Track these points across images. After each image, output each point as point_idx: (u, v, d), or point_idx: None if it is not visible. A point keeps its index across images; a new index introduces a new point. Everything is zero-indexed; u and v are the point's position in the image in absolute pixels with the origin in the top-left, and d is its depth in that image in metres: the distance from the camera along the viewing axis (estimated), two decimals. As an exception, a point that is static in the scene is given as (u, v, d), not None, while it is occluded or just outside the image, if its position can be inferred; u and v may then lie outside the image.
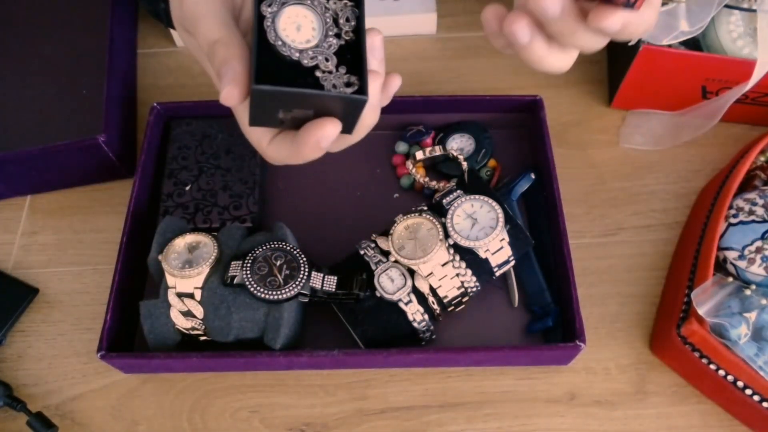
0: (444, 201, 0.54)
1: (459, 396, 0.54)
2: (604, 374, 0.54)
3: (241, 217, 0.58)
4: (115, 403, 0.54)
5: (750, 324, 0.47)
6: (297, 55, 0.33)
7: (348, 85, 0.33)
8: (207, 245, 0.52)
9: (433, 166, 0.63)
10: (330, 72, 0.33)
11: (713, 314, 0.47)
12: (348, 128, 0.36)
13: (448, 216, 0.52)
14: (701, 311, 0.47)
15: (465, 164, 0.59)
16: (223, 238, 0.54)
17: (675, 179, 0.64)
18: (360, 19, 0.34)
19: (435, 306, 0.52)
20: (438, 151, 0.61)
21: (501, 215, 0.52)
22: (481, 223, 0.52)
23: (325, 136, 0.35)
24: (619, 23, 0.31)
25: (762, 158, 0.58)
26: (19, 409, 0.53)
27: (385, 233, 0.54)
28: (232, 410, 0.54)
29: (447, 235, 0.52)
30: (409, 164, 0.61)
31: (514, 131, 0.65)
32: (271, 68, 0.32)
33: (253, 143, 0.38)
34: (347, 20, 0.34)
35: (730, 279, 0.51)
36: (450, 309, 0.53)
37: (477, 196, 0.53)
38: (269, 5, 0.33)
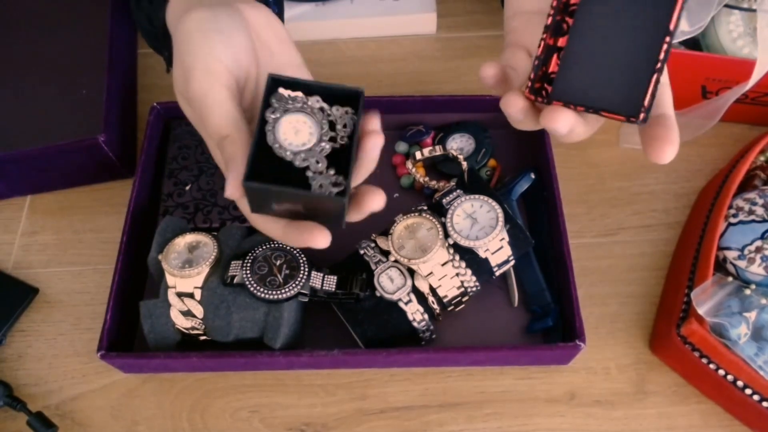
0: (444, 201, 0.54)
1: (459, 396, 0.54)
2: (604, 374, 0.54)
3: (241, 217, 0.58)
4: (115, 403, 0.54)
5: (750, 324, 0.47)
6: (290, 156, 0.36)
7: (335, 185, 0.36)
8: (207, 245, 0.52)
9: (433, 166, 0.63)
10: (320, 173, 0.37)
11: (713, 314, 0.47)
12: (336, 223, 0.39)
13: (448, 216, 0.52)
14: (701, 311, 0.47)
15: (465, 164, 0.59)
16: (223, 238, 0.54)
17: (675, 179, 0.64)
18: (356, 125, 0.37)
19: (435, 306, 0.52)
20: (438, 151, 0.61)
21: (501, 215, 0.52)
22: (481, 222, 0.52)
23: (312, 243, 0.38)
24: (567, 126, 0.35)
25: (762, 158, 0.58)
26: (19, 409, 0.53)
27: (385, 233, 0.54)
28: (232, 410, 0.54)
29: (447, 235, 0.52)
30: (409, 164, 0.61)
31: (514, 131, 0.64)
32: (265, 166, 0.36)
33: (251, 222, 0.41)
34: (344, 126, 0.38)
35: (730, 279, 0.51)
36: (450, 309, 0.53)
37: (477, 196, 0.53)
38: (273, 112, 0.36)
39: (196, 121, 0.41)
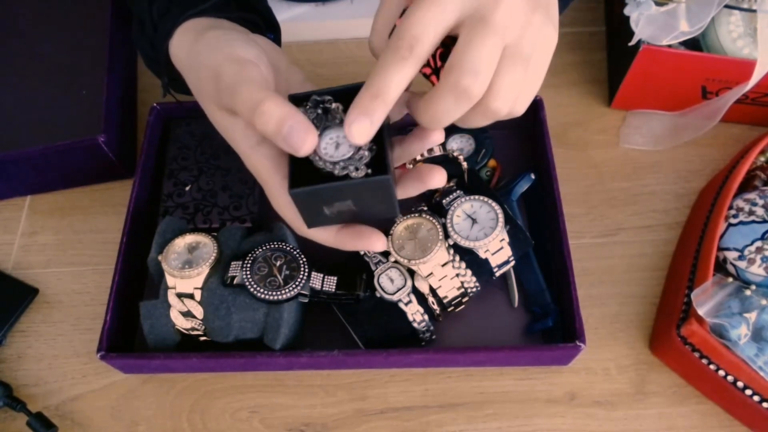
0: (444, 201, 0.54)
1: (459, 396, 0.54)
2: (604, 374, 0.54)
3: (241, 217, 0.58)
4: (115, 403, 0.54)
5: (750, 324, 0.47)
6: (330, 167, 0.36)
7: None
8: (207, 245, 0.52)
9: (433, 167, 0.63)
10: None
11: (713, 314, 0.47)
12: (390, 210, 0.39)
13: (448, 216, 0.52)
14: (701, 311, 0.47)
15: (465, 164, 0.59)
16: (222, 239, 0.54)
17: (675, 179, 0.64)
18: (384, 126, 0.37)
19: (435, 306, 0.52)
20: (438, 151, 0.61)
21: (501, 215, 0.52)
22: (481, 223, 0.52)
23: (369, 246, 0.39)
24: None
25: (762, 158, 0.58)
26: (19, 409, 0.53)
27: (385, 234, 0.53)
28: (232, 410, 0.54)
29: (447, 236, 0.52)
30: (409, 164, 0.61)
31: (514, 131, 0.65)
32: (306, 175, 0.36)
33: (305, 236, 0.41)
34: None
35: (730, 279, 0.51)
36: (450, 309, 0.53)
37: (477, 197, 0.53)
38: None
39: (225, 121, 0.40)
